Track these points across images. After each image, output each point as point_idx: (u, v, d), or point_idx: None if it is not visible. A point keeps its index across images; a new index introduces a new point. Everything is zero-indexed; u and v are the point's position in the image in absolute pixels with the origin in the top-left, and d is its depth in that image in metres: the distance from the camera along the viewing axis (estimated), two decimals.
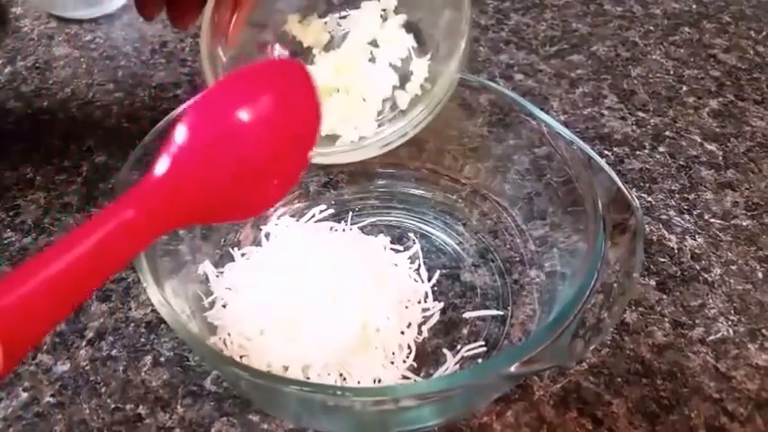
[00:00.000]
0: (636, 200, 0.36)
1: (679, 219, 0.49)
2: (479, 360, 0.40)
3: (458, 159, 0.49)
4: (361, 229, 0.47)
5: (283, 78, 0.33)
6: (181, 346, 0.41)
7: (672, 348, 0.41)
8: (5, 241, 0.48)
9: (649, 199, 0.50)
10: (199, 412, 0.38)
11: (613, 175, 0.37)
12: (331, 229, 0.46)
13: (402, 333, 0.40)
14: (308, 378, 0.37)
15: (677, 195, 0.51)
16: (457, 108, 0.45)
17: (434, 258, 0.45)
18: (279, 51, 0.44)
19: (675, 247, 0.47)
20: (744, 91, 0.60)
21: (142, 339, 0.42)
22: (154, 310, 0.43)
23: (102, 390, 0.40)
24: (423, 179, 0.50)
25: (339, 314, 0.38)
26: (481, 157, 0.48)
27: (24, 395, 0.39)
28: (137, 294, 0.44)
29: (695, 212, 0.49)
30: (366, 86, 0.42)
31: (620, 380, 0.40)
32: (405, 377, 0.39)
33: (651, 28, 0.68)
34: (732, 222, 0.49)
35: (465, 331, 0.42)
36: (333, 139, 0.41)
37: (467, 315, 0.42)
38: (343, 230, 0.46)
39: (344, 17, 0.44)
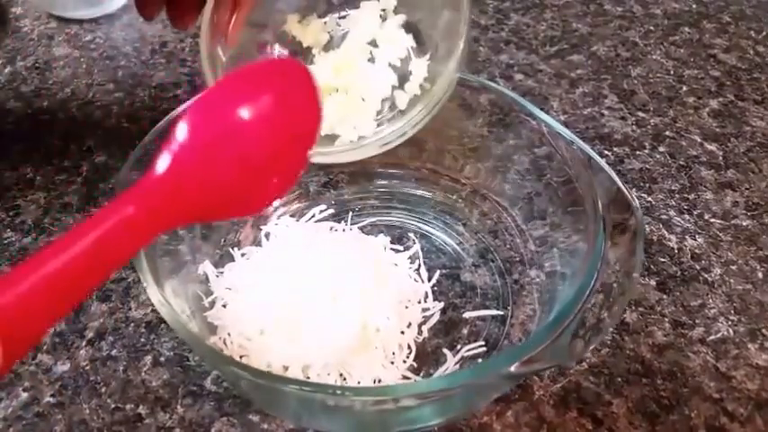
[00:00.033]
0: (636, 200, 0.36)
1: (679, 219, 0.49)
2: (479, 360, 0.40)
3: (458, 159, 0.49)
4: (361, 229, 0.47)
5: (284, 77, 0.33)
6: (181, 346, 0.41)
7: (672, 348, 0.41)
8: (5, 241, 0.48)
9: (649, 199, 0.50)
10: (199, 412, 0.38)
11: (613, 175, 0.37)
12: (331, 229, 0.46)
13: (402, 333, 0.40)
14: (308, 378, 0.37)
15: (677, 195, 0.51)
16: (457, 108, 0.45)
17: (434, 258, 0.45)
18: (278, 51, 0.44)
19: (675, 247, 0.47)
20: (744, 91, 0.60)
21: (142, 339, 0.42)
22: (154, 310, 0.43)
23: (102, 390, 0.40)
24: (423, 179, 0.50)
25: (339, 314, 0.38)
26: (481, 157, 0.48)
27: (24, 395, 0.39)
28: (137, 294, 0.44)
29: (695, 212, 0.49)
30: (365, 86, 0.42)
31: (620, 380, 0.40)
32: (405, 377, 0.39)
33: (651, 28, 0.68)
34: (732, 222, 0.49)
35: (465, 331, 0.42)
36: (332, 138, 0.42)
37: (467, 315, 0.42)
38: (343, 230, 0.46)
39: (344, 17, 0.44)
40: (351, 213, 0.48)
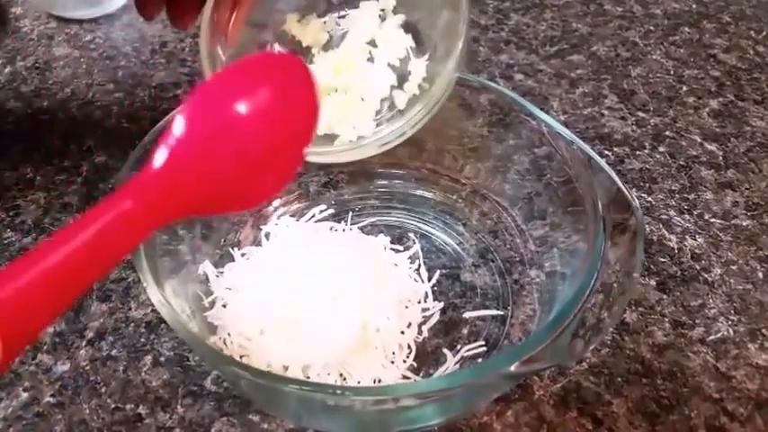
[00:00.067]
0: (636, 200, 0.36)
1: (679, 219, 0.49)
2: (479, 360, 0.40)
3: (458, 159, 0.49)
4: (361, 229, 0.47)
5: (281, 71, 0.33)
6: (181, 346, 0.41)
7: (672, 348, 0.41)
8: (5, 241, 0.48)
9: (649, 199, 0.50)
10: (199, 412, 0.38)
11: (613, 175, 0.37)
12: (331, 229, 0.46)
13: (402, 333, 0.40)
14: (308, 378, 0.37)
15: (677, 195, 0.51)
16: (457, 108, 0.45)
17: (434, 258, 0.45)
18: (278, 51, 0.44)
19: (675, 247, 0.47)
20: (744, 91, 0.60)
21: (142, 339, 0.42)
22: (154, 310, 0.43)
23: (102, 390, 0.40)
24: (423, 179, 0.50)
25: (339, 314, 0.38)
26: (481, 157, 0.48)
27: (24, 395, 0.39)
28: (137, 294, 0.44)
29: (695, 212, 0.49)
30: (364, 86, 0.42)
31: (620, 380, 0.40)
32: (405, 377, 0.39)
33: (651, 28, 0.68)
34: (732, 222, 0.49)
35: (465, 331, 0.42)
36: (331, 138, 0.41)
37: (467, 315, 0.42)
38: (343, 230, 0.46)
39: (343, 17, 0.44)
40: (351, 213, 0.48)
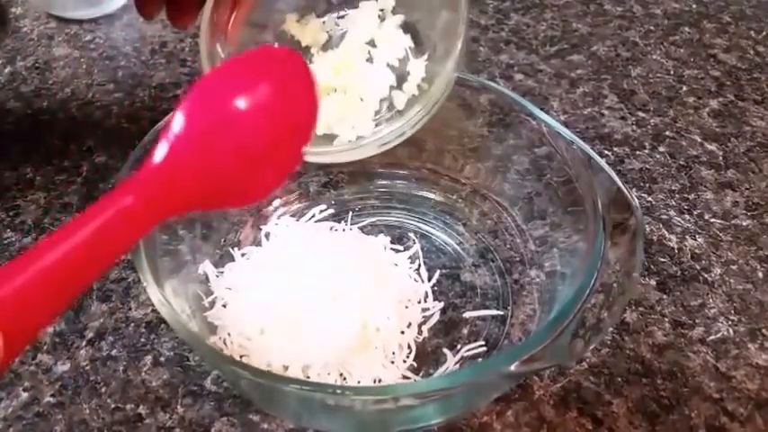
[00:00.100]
0: (636, 200, 0.36)
1: (679, 219, 0.49)
2: (479, 360, 0.40)
3: (458, 159, 0.49)
4: (361, 229, 0.47)
5: (280, 65, 0.33)
6: (181, 345, 0.41)
7: (672, 348, 0.41)
8: (5, 241, 0.48)
9: (649, 199, 0.50)
10: (199, 412, 0.38)
11: (613, 175, 0.37)
12: (331, 229, 0.46)
13: (402, 333, 0.40)
14: (308, 378, 0.37)
15: (677, 195, 0.51)
16: (457, 108, 0.45)
17: (434, 258, 0.45)
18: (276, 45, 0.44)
19: (675, 246, 0.47)
20: (744, 91, 0.60)
21: (142, 339, 0.42)
22: (154, 310, 0.43)
23: (103, 390, 0.40)
24: (423, 179, 0.50)
25: (339, 314, 0.38)
26: (481, 157, 0.48)
27: (24, 395, 0.39)
28: (137, 294, 0.44)
29: (695, 212, 0.49)
30: (364, 86, 0.42)
31: (620, 380, 0.40)
32: (405, 377, 0.39)
33: (651, 28, 0.68)
34: (732, 222, 0.49)
35: (465, 331, 0.42)
36: (330, 138, 0.41)
37: (467, 315, 0.42)
38: (343, 230, 0.46)
39: (342, 17, 0.44)
40: (351, 213, 0.48)
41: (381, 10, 0.43)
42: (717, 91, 0.60)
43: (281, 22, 0.44)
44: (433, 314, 0.42)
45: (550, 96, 0.59)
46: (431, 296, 0.43)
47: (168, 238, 0.40)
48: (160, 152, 0.28)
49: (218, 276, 0.42)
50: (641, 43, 0.66)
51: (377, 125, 0.42)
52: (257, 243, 0.46)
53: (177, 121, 0.29)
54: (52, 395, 0.39)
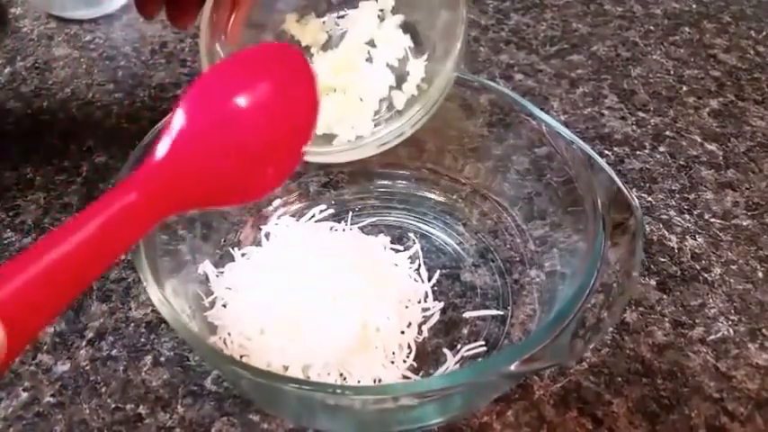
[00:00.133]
0: (636, 200, 0.36)
1: (679, 219, 0.49)
2: (479, 360, 0.40)
3: (458, 159, 0.49)
4: (361, 229, 0.47)
5: (280, 63, 0.33)
6: (181, 345, 0.41)
7: (672, 348, 0.41)
8: (5, 241, 0.48)
9: (649, 199, 0.50)
10: (199, 412, 0.38)
11: (613, 175, 0.37)
12: (331, 229, 0.46)
13: (402, 333, 0.40)
14: (308, 378, 0.37)
15: (677, 195, 0.51)
16: (457, 108, 0.45)
17: (434, 258, 0.45)
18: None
19: (675, 246, 0.47)
20: (744, 91, 0.60)
21: (142, 339, 0.42)
22: (154, 310, 0.43)
23: (103, 390, 0.40)
24: (423, 179, 0.50)
25: (339, 314, 0.38)
26: (481, 157, 0.48)
27: (24, 395, 0.39)
28: (137, 294, 0.44)
29: (695, 212, 0.49)
30: (363, 86, 0.42)
31: (620, 379, 0.40)
32: (405, 377, 0.39)
33: (651, 28, 0.68)
34: (732, 222, 0.49)
35: (465, 331, 0.42)
36: (330, 138, 0.41)
37: (467, 315, 0.42)
38: (343, 230, 0.46)
39: (342, 17, 0.44)
40: (351, 213, 0.48)
41: (381, 10, 0.43)
42: (717, 91, 0.60)
43: (280, 22, 0.44)
44: (433, 314, 0.42)
45: (550, 96, 0.59)
46: (431, 296, 0.43)
47: (168, 238, 0.40)
48: (161, 149, 0.28)
49: (218, 276, 0.42)
50: (641, 43, 0.66)
51: (376, 125, 0.42)
52: (257, 243, 0.46)
53: (178, 119, 0.29)
54: (52, 395, 0.39)
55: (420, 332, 0.41)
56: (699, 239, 0.47)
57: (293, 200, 0.49)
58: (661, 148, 0.54)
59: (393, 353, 0.39)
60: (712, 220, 0.49)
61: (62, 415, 0.38)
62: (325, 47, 0.44)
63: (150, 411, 0.38)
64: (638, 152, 0.54)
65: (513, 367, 0.30)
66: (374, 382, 0.38)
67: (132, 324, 0.43)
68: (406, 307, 0.41)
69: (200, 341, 0.34)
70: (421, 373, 0.39)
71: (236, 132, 0.30)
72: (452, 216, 0.48)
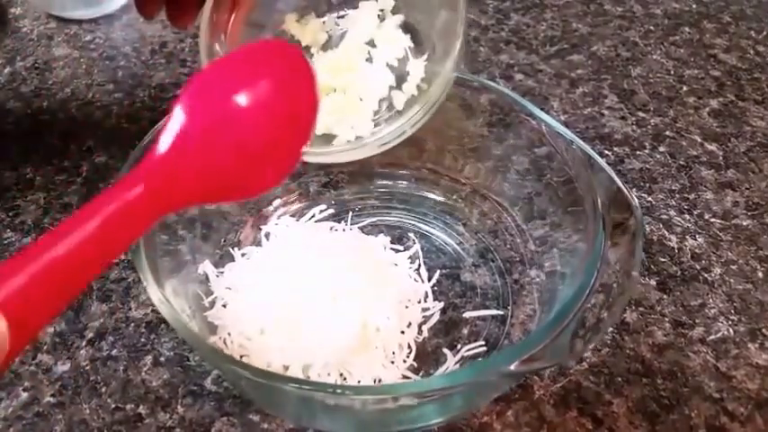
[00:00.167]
0: (636, 200, 0.36)
1: (679, 219, 0.49)
2: (480, 360, 0.40)
3: (458, 159, 0.49)
4: (361, 229, 0.47)
5: (280, 60, 0.33)
6: (181, 345, 0.41)
7: (672, 348, 0.41)
8: (5, 241, 0.48)
9: (649, 199, 0.50)
10: (199, 412, 0.38)
11: (613, 175, 0.37)
12: (331, 229, 0.46)
13: (402, 333, 0.40)
14: (309, 378, 0.37)
15: (677, 195, 0.51)
16: (457, 108, 0.45)
17: (434, 258, 0.45)
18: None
19: (676, 246, 0.47)
20: (744, 91, 0.60)
21: (142, 339, 0.42)
22: (154, 310, 0.43)
23: (103, 390, 0.40)
24: (423, 179, 0.50)
25: (339, 314, 0.38)
26: (481, 157, 0.48)
27: (24, 395, 0.39)
28: (137, 294, 0.44)
29: (695, 212, 0.49)
30: (363, 86, 0.42)
31: (620, 379, 0.40)
32: (405, 377, 0.39)
33: (651, 28, 0.68)
34: (732, 222, 0.49)
35: (465, 331, 0.42)
36: (329, 138, 0.41)
37: (467, 315, 0.42)
38: (344, 230, 0.46)
39: (342, 17, 0.44)
40: (351, 213, 0.48)
41: (381, 10, 0.43)
42: (717, 91, 0.60)
43: (280, 22, 0.44)
44: (433, 314, 0.42)
45: (550, 96, 0.59)
46: (431, 296, 0.43)
47: (168, 238, 0.40)
48: (163, 145, 0.28)
49: (218, 276, 0.42)
50: (641, 43, 0.66)
51: (376, 125, 0.42)
52: (257, 243, 0.46)
53: (178, 115, 0.28)
54: (52, 395, 0.39)
55: (420, 332, 0.41)
56: (699, 239, 0.47)
57: (293, 200, 0.49)
58: (661, 148, 0.54)
59: (393, 353, 0.39)
60: (712, 220, 0.49)
61: (62, 415, 0.38)
62: (325, 47, 0.44)
63: (150, 411, 0.38)
64: (638, 152, 0.54)
65: (513, 367, 0.30)
66: (374, 382, 0.38)
67: (132, 324, 0.43)
68: (406, 307, 0.41)
69: (201, 341, 0.34)
70: (421, 373, 0.39)
71: (236, 129, 0.30)
72: (452, 216, 0.48)
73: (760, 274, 0.45)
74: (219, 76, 0.31)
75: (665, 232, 0.48)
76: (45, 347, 0.42)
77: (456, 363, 0.40)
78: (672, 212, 0.49)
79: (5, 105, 0.59)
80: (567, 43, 0.66)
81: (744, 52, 0.65)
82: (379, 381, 0.38)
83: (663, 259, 0.46)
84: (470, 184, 0.49)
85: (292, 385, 0.31)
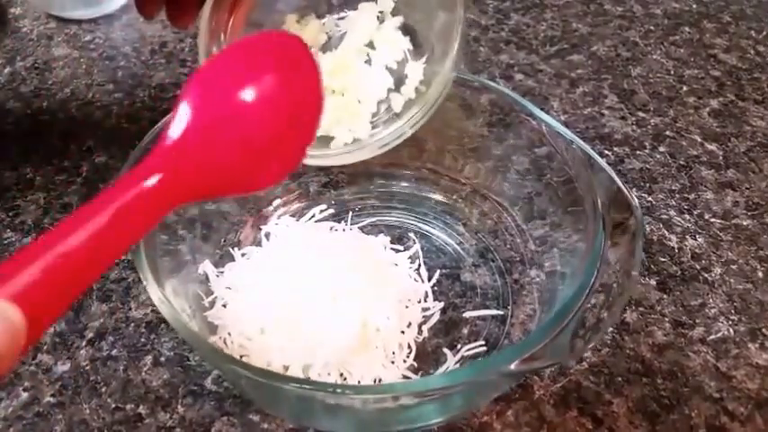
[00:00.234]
0: (636, 200, 0.36)
1: (679, 218, 0.49)
2: (480, 359, 0.40)
3: (458, 159, 0.49)
4: (361, 229, 0.47)
5: (284, 53, 0.33)
6: (181, 345, 0.41)
7: (672, 348, 0.41)
8: (5, 241, 0.48)
9: (650, 199, 0.50)
10: (199, 412, 0.38)
11: (613, 174, 0.37)
12: (331, 229, 0.46)
13: (402, 333, 0.40)
14: (309, 377, 0.37)
15: (677, 195, 0.51)
16: (457, 108, 0.45)
17: (434, 258, 0.45)
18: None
19: (676, 246, 0.47)
20: (744, 91, 0.60)
21: (142, 339, 0.42)
22: (154, 310, 0.43)
23: (103, 390, 0.40)
24: (423, 179, 0.50)
25: (339, 314, 0.38)
26: (481, 157, 0.48)
27: (25, 395, 0.39)
28: (137, 294, 0.44)
29: (695, 212, 0.49)
30: (362, 88, 0.42)
31: (620, 379, 0.40)
32: (405, 377, 0.39)
33: (651, 28, 0.68)
34: (732, 222, 0.49)
35: (465, 331, 0.42)
36: (327, 140, 0.41)
37: (467, 315, 0.42)
38: (343, 230, 0.46)
39: (342, 18, 0.44)
40: (351, 213, 0.48)
41: (381, 12, 0.43)
42: (717, 91, 0.60)
43: (280, 23, 0.43)
44: (433, 314, 0.42)
45: (550, 96, 0.59)
46: (431, 296, 0.43)
47: (168, 238, 0.40)
48: (173, 135, 0.28)
49: (218, 276, 0.42)
50: (641, 43, 0.66)
51: (374, 127, 0.42)
52: (257, 243, 0.46)
53: (183, 112, 0.28)
54: (52, 395, 0.39)
55: (420, 332, 0.41)
56: (699, 239, 0.47)
57: (293, 200, 0.49)
58: (661, 148, 0.54)
59: (393, 353, 0.39)
60: (712, 219, 0.49)
61: (62, 415, 0.38)
62: (325, 48, 0.44)
63: (150, 411, 0.38)
64: (638, 152, 0.54)
65: (513, 366, 0.30)
66: (374, 381, 0.38)
67: (132, 324, 0.43)
68: (406, 307, 0.42)
69: (201, 341, 0.34)
70: (421, 373, 0.39)
71: (241, 124, 0.30)
72: (452, 216, 0.48)
73: (760, 274, 0.45)
74: (223, 68, 0.31)
75: (665, 232, 0.48)
76: (45, 347, 0.42)
77: (456, 362, 0.40)
78: (672, 212, 0.49)
79: (5, 105, 0.59)
80: (567, 43, 0.66)
81: (744, 52, 0.65)
82: (379, 380, 0.38)
83: (663, 259, 0.46)
84: (470, 184, 0.49)
85: (292, 385, 0.31)
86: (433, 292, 0.43)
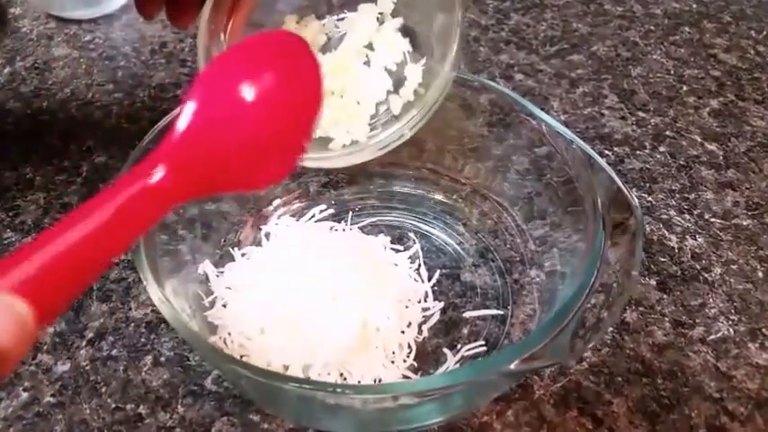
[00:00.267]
0: (636, 200, 0.36)
1: (679, 218, 0.49)
2: (480, 359, 0.40)
3: (458, 159, 0.49)
4: (361, 229, 0.47)
5: (285, 51, 0.33)
6: (181, 345, 0.41)
7: (672, 348, 0.41)
8: (5, 241, 0.48)
9: (650, 199, 0.50)
10: (199, 412, 0.38)
11: (613, 174, 0.37)
12: (331, 229, 0.46)
13: (402, 332, 0.40)
14: (309, 377, 0.37)
15: (677, 195, 0.51)
16: (457, 108, 0.45)
17: (434, 258, 0.45)
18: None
19: (676, 246, 0.47)
20: (744, 91, 0.60)
21: (142, 339, 0.42)
22: (154, 310, 0.43)
23: (103, 390, 0.40)
24: (423, 179, 0.50)
25: (339, 314, 0.38)
26: (481, 157, 0.48)
27: (25, 395, 0.39)
28: (137, 294, 0.44)
29: (695, 212, 0.49)
30: (361, 90, 0.42)
31: (620, 379, 0.40)
32: (405, 377, 0.39)
33: (651, 28, 0.68)
34: (732, 222, 0.49)
35: (465, 331, 0.42)
36: (325, 141, 0.41)
37: (467, 315, 0.42)
38: (343, 230, 0.46)
39: (342, 19, 0.44)
40: (351, 213, 0.48)
41: (381, 13, 0.43)
42: (717, 91, 0.60)
43: (280, 23, 0.43)
44: (433, 314, 0.42)
45: (550, 96, 0.59)
46: (431, 296, 0.43)
47: (168, 238, 0.40)
48: (179, 130, 0.28)
49: (218, 276, 0.42)
50: (641, 43, 0.66)
51: (372, 129, 0.42)
52: (257, 243, 0.46)
53: (189, 109, 0.29)
54: (52, 395, 0.39)
55: (420, 332, 0.41)
56: (699, 239, 0.47)
57: (293, 200, 0.49)
58: (661, 148, 0.54)
59: (393, 353, 0.39)
60: (712, 219, 0.49)
61: (62, 415, 0.38)
62: (324, 49, 0.44)
63: (150, 411, 0.38)
64: (638, 152, 0.54)
65: (513, 366, 0.30)
66: (374, 381, 0.38)
67: (132, 324, 0.43)
68: (406, 307, 0.42)
69: (201, 340, 0.34)
70: (421, 373, 0.39)
71: (245, 122, 0.30)
72: (452, 216, 0.48)
73: (760, 274, 0.45)
74: (224, 71, 0.31)
75: (665, 232, 0.48)
76: (45, 347, 0.42)
77: (456, 362, 0.40)
78: (672, 212, 0.49)
79: (5, 105, 0.59)
80: (567, 43, 0.66)
81: (744, 52, 0.65)
82: (379, 380, 0.38)
83: (663, 259, 0.46)
84: (470, 184, 0.49)
85: (292, 385, 0.31)
86: (433, 292, 0.43)
